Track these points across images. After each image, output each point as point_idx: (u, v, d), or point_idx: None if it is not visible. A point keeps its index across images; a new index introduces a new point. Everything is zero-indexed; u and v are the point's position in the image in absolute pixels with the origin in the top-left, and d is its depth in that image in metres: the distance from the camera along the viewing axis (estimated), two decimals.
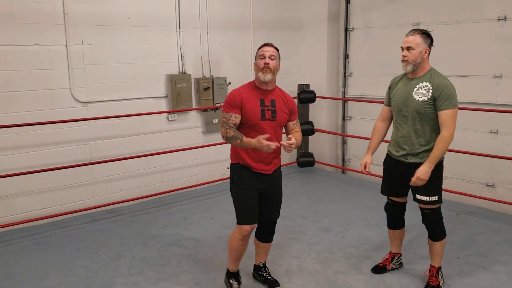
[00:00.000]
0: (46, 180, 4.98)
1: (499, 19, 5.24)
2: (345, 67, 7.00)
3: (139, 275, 3.85)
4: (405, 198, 3.71)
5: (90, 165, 5.21)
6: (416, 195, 3.48)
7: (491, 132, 5.46)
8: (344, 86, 7.04)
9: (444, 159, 3.49)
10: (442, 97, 3.26)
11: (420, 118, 3.36)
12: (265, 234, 3.62)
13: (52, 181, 5.03)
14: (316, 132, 6.70)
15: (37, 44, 4.76)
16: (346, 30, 6.88)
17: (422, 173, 3.28)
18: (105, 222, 5.05)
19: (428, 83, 3.34)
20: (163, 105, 5.78)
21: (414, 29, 3.43)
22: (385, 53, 6.37)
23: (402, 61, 3.40)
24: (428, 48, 3.37)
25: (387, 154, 3.69)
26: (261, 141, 3.07)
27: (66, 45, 4.93)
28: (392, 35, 6.28)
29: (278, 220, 4.78)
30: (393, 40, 6.25)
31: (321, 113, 7.08)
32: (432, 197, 3.42)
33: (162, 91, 5.74)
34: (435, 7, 5.80)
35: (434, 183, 3.41)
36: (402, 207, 3.74)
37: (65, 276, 3.85)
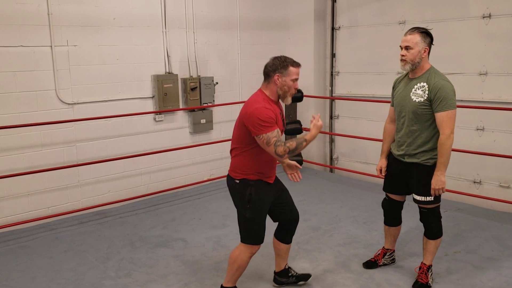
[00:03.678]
0: (32, 182, 4.92)
1: (483, 17, 5.29)
2: (332, 66, 7.01)
3: (127, 277, 3.82)
4: (403, 197, 3.73)
5: (77, 167, 5.16)
6: (413, 194, 3.51)
7: (477, 129, 5.50)
8: (331, 85, 7.05)
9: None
10: (437, 98, 3.22)
11: (417, 119, 3.33)
12: (288, 234, 3.50)
13: (38, 183, 4.97)
14: (304, 131, 6.71)
15: (21, 46, 4.70)
16: (333, 29, 6.90)
17: (435, 183, 3.29)
18: (92, 224, 5.00)
19: (425, 84, 3.30)
20: (149, 106, 5.74)
21: (414, 28, 3.37)
22: (372, 52, 6.40)
23: (401, 60, 3.36)
24: (427, 47, 3.32)
25: (390, 152, 3.70)
26: (317, 124, 3.12)
27: (51, 46, 4.88)
28: (378, 34, 6.30)
29: (267, 220, 4.78)
30: (379, 39, 6.32)
31: (308, 112, 7.07)
32: (428, 197, 3.42)
33: (148, 92, 5.71)
34: (421, 5, 5.83)
35: (430, 183, 3.42)
36: (398, 205, 3.75)
37: (53, 279, 3.80)
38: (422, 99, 3.29)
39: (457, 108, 5.24)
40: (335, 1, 6.82)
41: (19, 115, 4.75)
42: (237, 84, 6.64)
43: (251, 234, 3.19)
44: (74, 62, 5.07)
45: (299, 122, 6.27)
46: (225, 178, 6.35)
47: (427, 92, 3.27)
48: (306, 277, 3.69)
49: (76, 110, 5.14)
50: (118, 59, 5.39)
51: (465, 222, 4.89)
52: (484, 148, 5.34)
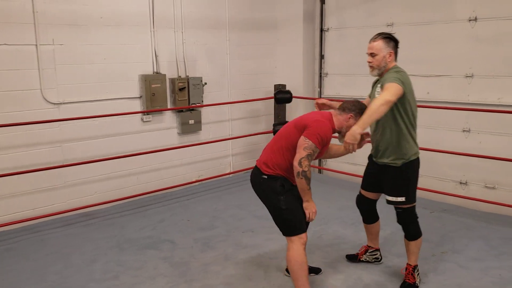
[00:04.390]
0: (17, 183, 4.84)
1: (470, 20, 5.34)
2: (320, 67, 7.03)
3: (114, 280, 3.77)
4: (373, 195, 3.75)
5: (63, 168, 5.09)
6: (386, 196, 3.55)
7: (464, 130, 5.55)
8: (320, 86, 7.07)
9: (418, 161, 3.52)
10: (383, 86, 3.23)
11: (381, 118, 3.29)
12: None
13: (23, 184, 4.89)
14: None
15: (5, 44, 4.61)
16: (321, 30, 6.91)
17: (347, 136, 3.14)
18: (78, 226, 4.94)
19: (381, 84, 3.35)
20: (137, 106, 5.69)
21: (377, 34, 3.44)
22: (360, 54, 6.31)
23: (369, 66, 3.44)
24: (391, 51, 3.38)
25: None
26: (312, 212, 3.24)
27: (36, 45, 4.80)
28: (366, 36, 6.20)
29: (256, 221, 4.77)
30: (368, 40, 6.30)
31: (297, 113, 7.05)
32: (399, 197, 3.45)
33: (136, 92, 5.65)
34: (408, 7, 5.87)
35: (401, 183, 3.45)
36: (371, 202, 3.79)
37: (37, 283, 3.74)
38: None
39: (444, 110, 5.43)
40: (324, 3, 6.83)
41: (4, 114, 4.66)
42: (226, 84, 6.61)
43: (293, 224, 3.21)
44: (60, 61, 5.00)
45: None
46: (213, 180, 6.42)
47: (380, 90, 3.31)
48: (317, 270, 3.79)
49: (62, 110, 5.07)
50: (105, 58, 5.34)
51: (451, 223, 4.93)
52: (470, 149, 5.39)
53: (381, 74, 3.43)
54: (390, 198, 3.50)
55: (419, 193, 5.64)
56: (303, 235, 3.22)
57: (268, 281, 3.74)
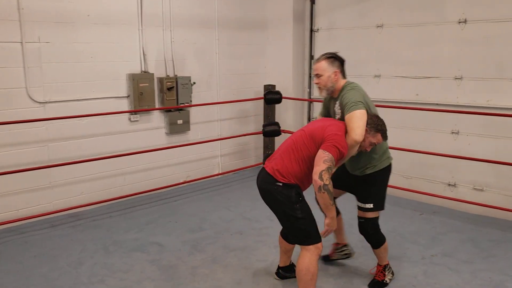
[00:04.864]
0: (1, 184, 4.73)
1: (459, 22, 5.35)
2: (310, 68, 7.00)
3: (100, 283, 3.70)
4: (337, 192, 3.68)
5: (49, 168, 4.99)
6: (357, 202, 3.55)
7: (453, 132, 5.56)
8: (310, 87, 7.04)
9: (389, 167, 3.50)
10: (344, 106, 3.27)
11: None
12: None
13: (8, 184, 4.78)
14: (282, 133, 6.67)
15: None
16: (311, 31, 6.88)
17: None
18: (64, 227, 4.85)
19: (338, 101, 3.38)
20: (124, 105, 5.60)
21: (322, 55, 3.45)
22: (350, 54, 6.29)
23: (317, 87, 3.46)
24: (337, 70, 3.36)
25: None
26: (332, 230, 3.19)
27: (22, 42, 4.69)
28: (356, 36, 6.31)
29: (245, 222, 4.74)
30: (358, 42, 6.34)
31: (287, 114, 7.05)
32: (367, 204, 3.46)
33: (123, 91, 5.57)
34: (398, 9, 5.86)
35: (369, 189, 3.46)
36: None
37: (22, 285, 3.65)
38: (338, 116, 3.39)
39: (433, 112, 5.44)
40: (314, 3, 6.80)
41: None
42: (215, 84, 6.55)
43: (310, 233, 3.13)
44: (46, 60, 4.90)
45: (277, 124, 6.24)
46: (202, 180, 6.35)
47: (340, 107, 3.36)
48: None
49: (48, 109, 4.97)
50: (92, 57, 5.25)
51: (440, 225, 4.93)
52: (459, 151, 5.40)
53: (333, 93, 3.43)
54: (359, 204, 3.52)
55: (409, 194, 5.74)
56: (319, 244, 3.15)
57: (257, 284, 3.70)
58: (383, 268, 3.66)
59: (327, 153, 3.00)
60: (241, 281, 3.74)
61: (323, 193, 2.98)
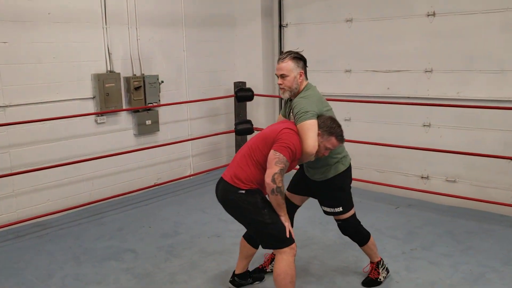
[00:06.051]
0: None
1: (428, 15, 5.38)
2: None
3: None
4: (298, 199, 3.62)
5: (11, 176, 4.73)
6: (322, 206, 3.48)
7: (424, 125, 5.60)
8: None
9: (348, 169, 3.41)
10: (295, 114, 3.14)
11: None
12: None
13: None
14: (255, 131, 6.56)
15: None
16: (280, 26, 6.80)
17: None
18: (30, 237, 4.60)
19: (293, 105, 3.25)
20: (90, 107, 5.38)
21: (285, 53, 3.30)
22: (320, 49, 6.34)
23: (280, 88, 3.30)
24: (302, 70, 3.25)
25: None
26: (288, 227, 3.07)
27: None
28: (325, 31, 6.27)
29: (221, 225, 4.63)
30: (327, 36, 6.30)
31: (258, 111, 6.96)
32: (336, 208, 3.39)
33: (89, 92, 5.34)
34: (367, 3, 5.86)
35: (335, 194, 3.39)
36: (291, 207, 3.51)
37: None
38: (292, 119, 3.23)
39: (404, 105, 5.46)
40: None
41: None
42: (183, 82, 6.38)
43: (281, 236, 3.02)
44: (4, 61, 4.63)
45: (250, 122, 6.12)
46: (173, 182, 6.18)
47: (292, 112, 3.23)
48: (261, 277, 3.67)
49: (8, 113, 4.70)
50: (54, 57, 5.00)
51: (416, 218, 4.95)
52: (431, 144, 5.44)
53: (294, 95, 3.28)
54: (328, 209, 3.44)
55: (383, 188, 5.75)
56: (293, 245, 3.05)
57: None
58: (376, 265, 3.58)
59: (278, 153, 2.92)
60: (223, 286, 3.62)
61: (276, 195, 2.94)
